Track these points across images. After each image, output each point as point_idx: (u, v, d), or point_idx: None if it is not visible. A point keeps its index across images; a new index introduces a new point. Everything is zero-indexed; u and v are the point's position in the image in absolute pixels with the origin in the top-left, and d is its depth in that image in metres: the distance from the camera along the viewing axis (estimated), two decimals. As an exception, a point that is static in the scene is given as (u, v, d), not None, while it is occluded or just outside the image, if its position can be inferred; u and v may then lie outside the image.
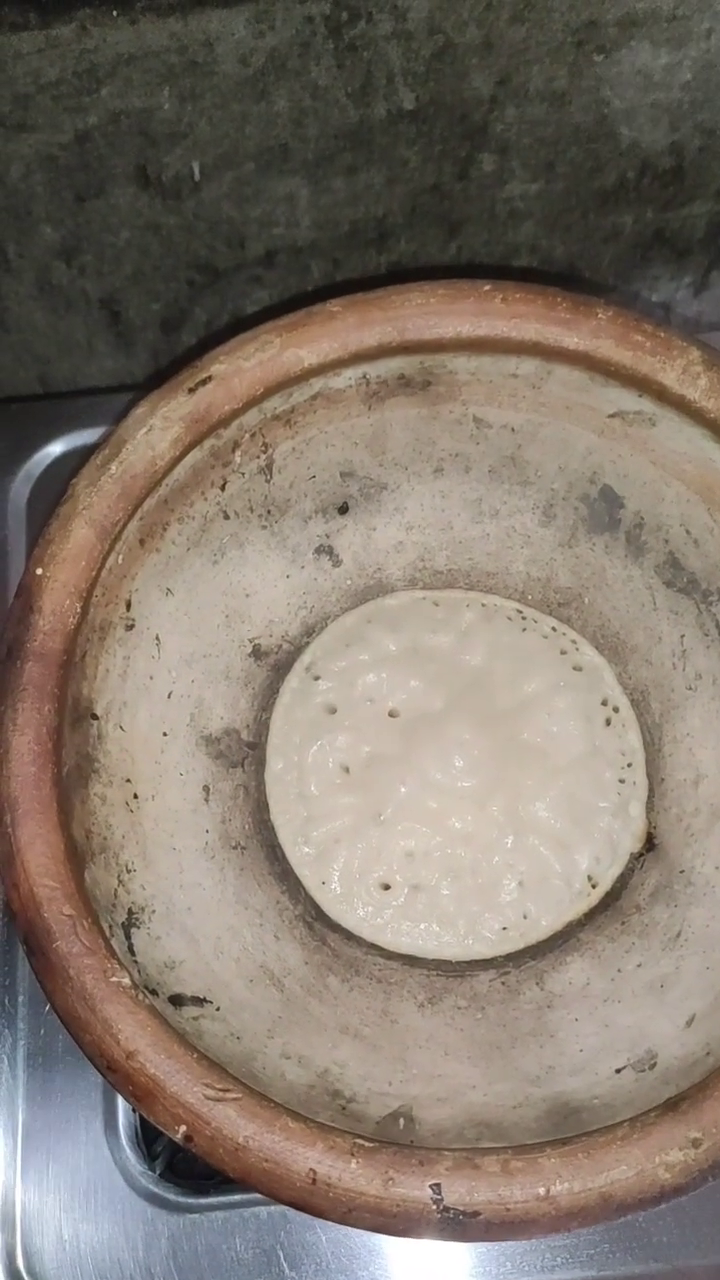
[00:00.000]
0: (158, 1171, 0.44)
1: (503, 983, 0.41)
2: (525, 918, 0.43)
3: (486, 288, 0.40)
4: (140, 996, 0.34)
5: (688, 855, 0.41)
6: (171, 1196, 0.44)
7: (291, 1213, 0.42)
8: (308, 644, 0.47)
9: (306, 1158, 0.32)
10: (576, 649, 0.47)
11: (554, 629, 0.47)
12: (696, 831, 0.41)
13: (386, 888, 0.44)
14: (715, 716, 0.42)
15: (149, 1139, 0.45)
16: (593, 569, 0.46)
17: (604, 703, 0.46)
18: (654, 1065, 0.36)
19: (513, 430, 0.44)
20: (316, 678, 0.47)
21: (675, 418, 0.41)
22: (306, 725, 0.46)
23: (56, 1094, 0.45)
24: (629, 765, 0.45)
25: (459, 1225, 0.31)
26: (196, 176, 0.47)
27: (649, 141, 0.48)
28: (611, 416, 0.42)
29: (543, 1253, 0.42)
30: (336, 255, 0.53)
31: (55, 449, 0.56)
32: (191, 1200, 0.44)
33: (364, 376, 0.42)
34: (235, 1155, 0.32)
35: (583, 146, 0.48)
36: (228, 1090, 0.32)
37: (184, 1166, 0.46)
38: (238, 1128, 0.32)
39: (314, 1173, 0.31)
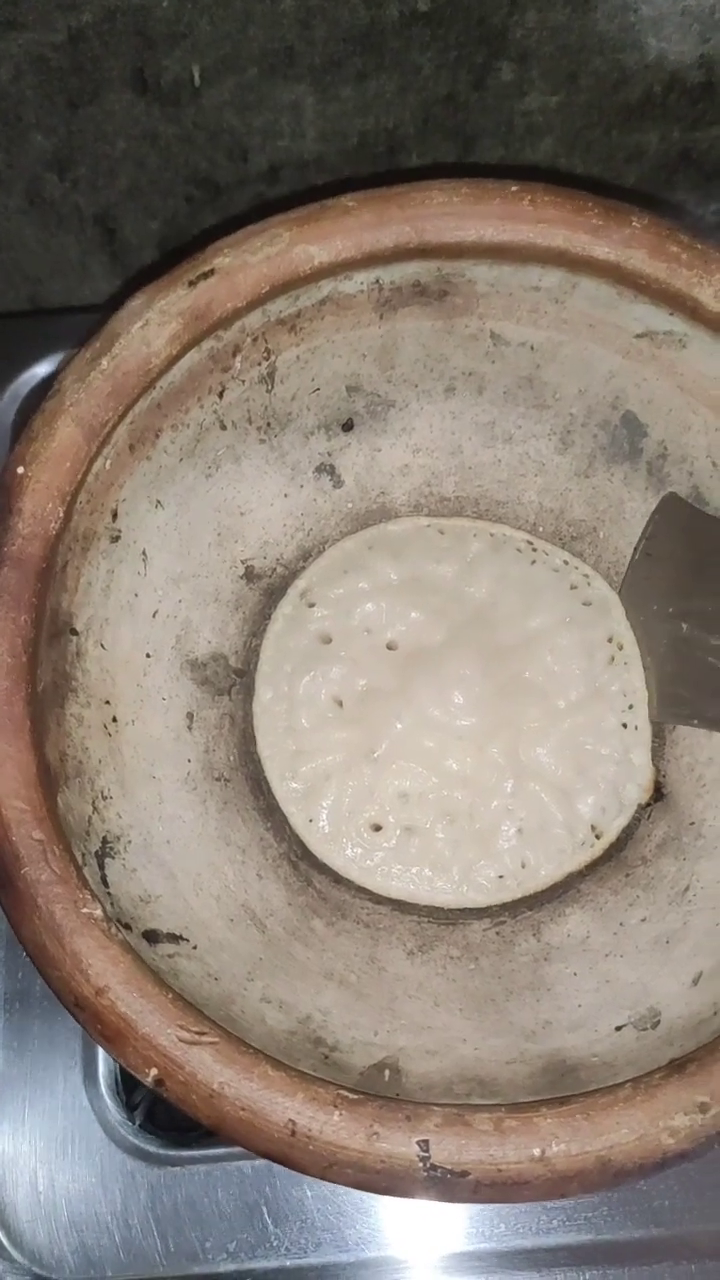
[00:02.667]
0: (137, 1122, 0.43)
1: (497, 933, 0.39)
2: (524, 866, 0.41)
3: (514, 189, 0.37)
4: (113, 930, 0.31)
5: (699, 806, 0.39)
6: (152, 1148, 0.42)
7: (277, 1167, 0.40)
8: (304, 569, 0.45)
9: (286, 1108, 0.30)
10: (588, 584, 0.44)
11: (565, 563, 0.45)
12: (709, 782, 0.39)
13: (378, 829, 0.42)
14: (733, 661, 0.40)
15: (129, 1088, 0.44)
16: (610, 501, 0.43)
17: (609, 639, 0.44)
18: (657, 1024, 0.34)
19: (531, 349, 0.41)
20: (311, 605, 0.44)
21: (708, 339, 0.38)
22: (299, 655, 0.44)
23: (33, 1040, 0.43)
24: (630, 707, 0.43)
25: (447, 1185, 0.29)
26: (196, 81, 0.44)
27: (677, 53, 0.45)
28: (639, 336, 0.39)
29: (539, 1215, 0.40)
30: (344, 170, 0.50)
31: (43, 369, 0.53)
32: (172, 1152, 0.42)
33: (377, 281, 0.39)
34: (210, 1102, 0.30)
35: (607, 57, 0.45)
36: (204, 1033, 0.30)
37: (165, 1118, 0.44)
38: (213, 1073, 0.30)
39: (293, 1124, 0.29)
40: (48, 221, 0.51)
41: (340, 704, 0.43)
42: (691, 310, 0.38)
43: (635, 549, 0.43)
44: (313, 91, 0.45)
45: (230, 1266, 0.40)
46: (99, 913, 0.31)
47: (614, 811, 0.42)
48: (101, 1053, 0.43)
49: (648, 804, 0.42)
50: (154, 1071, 0.30)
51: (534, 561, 0.45)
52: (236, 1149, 0.41)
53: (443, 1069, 0.33)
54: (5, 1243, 0.41)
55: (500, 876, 0.41)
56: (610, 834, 0.42)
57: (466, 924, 0.40)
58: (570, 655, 0.43)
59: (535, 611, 0.44)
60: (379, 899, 0.40)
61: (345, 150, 0.48)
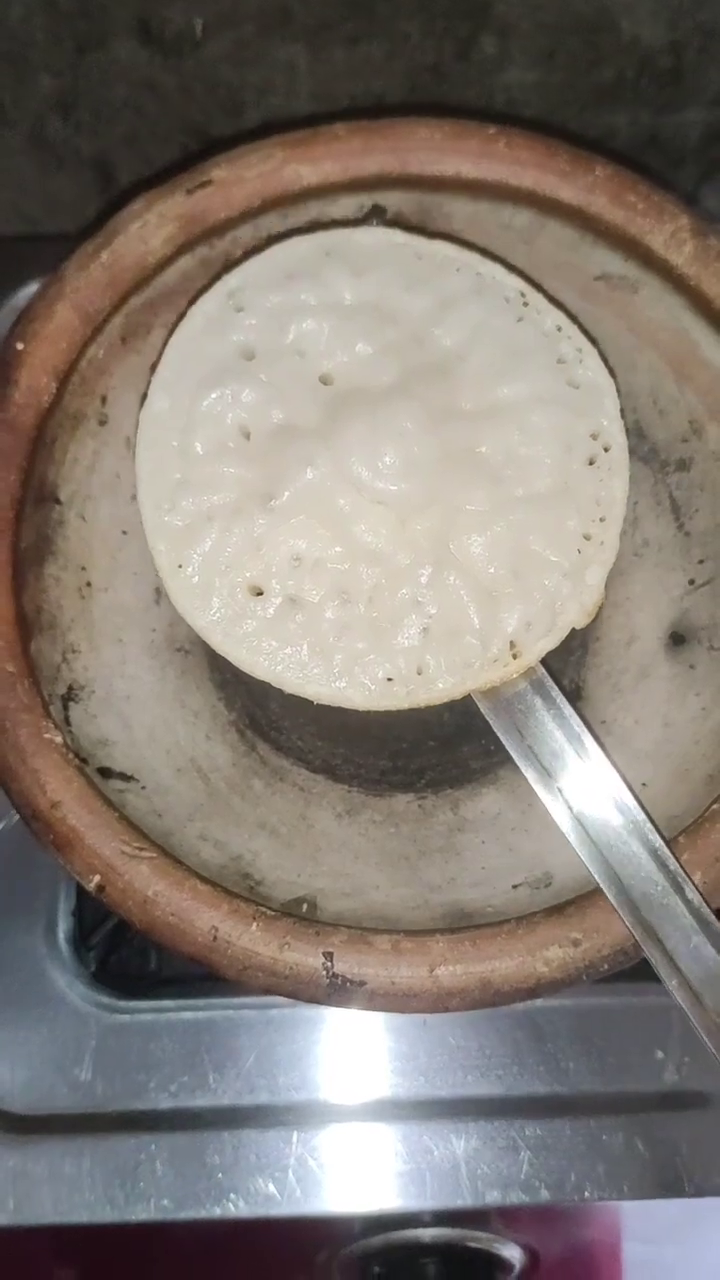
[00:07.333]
0: (90, 969, 0.46)
1: (419, 805, 0.43)
2: (420, 673, 0.37)
3: (492, 130, 0.41)
4: (70, 756, 0.35)
5: (612, 709, 0.43)
6: (103, 997, 0.46)
7: (219, 1019, 0.45)
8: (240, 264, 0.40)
9: (210, 917, 0.33)
10: (580, 361, 0.39)
11: (559, 328, 0.39)
12: (623, 688, 0.43)
13: (258, 593, 0.37)
14: (655, 583, 0.43)
15: (84, 934, 0.47)
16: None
17: (594, 436, 0.38)
18: (549, 885, 0.38)
19: (501, 283, 0.45)
20: (240, 309, 0.38)
21: (658, 285, 0.41)
22: (212, 365, 0.38)
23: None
24: (601, 520, 0.38)
25: (345, 992, 0.33)
26: (198, 34, 0.46)
27: (649, 37, 0.48)
28: (598, 279, 0.43)
29: (455, 1070, 0.44)
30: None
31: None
32: (121, 1002, 0.46)
33: (361, 208, 0.43)
34: (143, 907, 0.34)
35: (583, 37, 0.48)
36: (143, 849, 0.34)
37: (117, 967, 0.49)
38: (148, 883, 0.34)
39: (216, 930, 0.33)
40: (47, 162, 0.53)
41: (247, 436, 0.38)
42: (644, 256, 0.41)
43: None
44: (307, 51, 0.48)
45: (170, 1104, 0.44)
46: (59, 739, 0.35)
47: (541, 630, 0.37)
48: (62, 908, 0.47)
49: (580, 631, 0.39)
50: (96, 878, 0.34)
51: (521, 319, 0.39)
52: (183, 1001, 0.45)
53: (354, 908, 0.37)
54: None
55: (389, 680, 0.37)
56: (530, 656, 0.37)
57: (392, 795, 0.43)
58: (542, 440, 0.38)
59: (510, 377, 0.38)
60: (315, 767, 0.44)
61: (335, 112, 0.50)
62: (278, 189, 0.41)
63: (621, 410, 0.40)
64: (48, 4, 0.45)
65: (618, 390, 0.40)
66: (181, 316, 0.40)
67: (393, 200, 0.42)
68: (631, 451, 0.43)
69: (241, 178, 0.40)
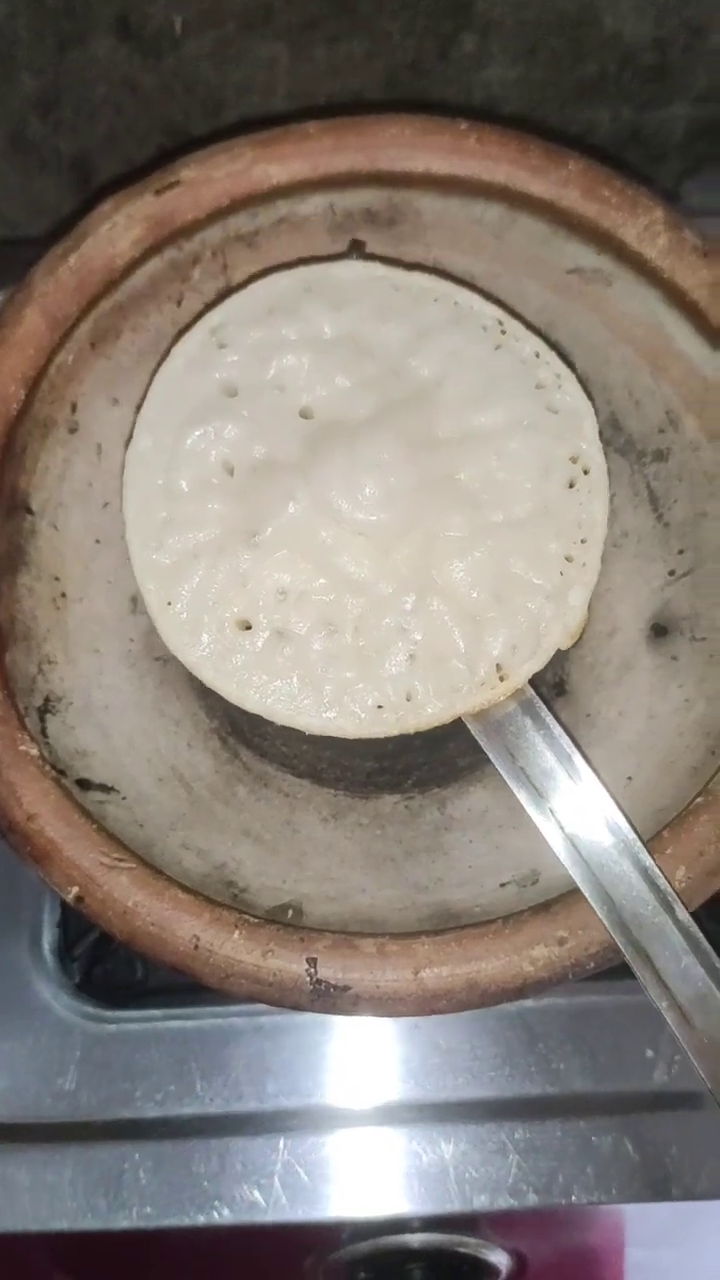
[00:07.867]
0: (75, 979, 0.46)
1: (405, 806, 0.43)
2: (409, 699, 0.37)
3: (463, 126, 0.41)
4: (46, 769, 0.35)
5: (596, 701, 0.42)
6: (88, 1007, 0.45)
7: (207, 1028, 0.45)
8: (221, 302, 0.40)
9: (191, 926, 0.33)
10: (558, 386, 0.39)
11: (537, 355, 0.40)
12: (606, 680, 0.43)
13: (246, 627, 0.38)
14: (635, 574, 0.43)
15: (69, 945, 0.47)
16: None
17: (573, 460, 0.39)
18: (536, 883, 0.37)
19: (472, 278, 0.44)
20: (223, 346, 0.39)
21: (631, 279, 0.41)
22: (195, 403, 0.38)
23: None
24: (583, 541, 0.38)
25: (329, 997, 0.33)
26: (178, 32, 0.46)
27: (632, 33, 0.48)
28: (570, 273, 0.43)
29: (447, 1073, 0.44)
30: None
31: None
32: (107, 1012, 0.45)
33: (331, 206, 0.42)
34: (123, 918, 0.33)
35: (566, 34, 0.48)
36: (122, 860, 0.34)
37: (104, 978, 0.48)
38: (128, 893, 0.33)
39: (197, 939, 0.33)
40: (29, 164, 0.53)
41: (230, 471, 0.38)
42: (617, 250, 0.41)
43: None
44: (288, 50, 0.48)
45: (157, 1113, 0.44)
46: (35, 752, 0.35)
47: (526, 653, 0.38)
48: (47, 918, 0.46)
49: (565, 652, 0.39)
50: (75, 890, 0.34)
51: (499, 346, 0.40)
52: (171, 1010, 0.45)
53: (340, 912, 0.37)
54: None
55: (379, 707, 0.37)
56: (516, 678, 0.38)
57: (378, 797, 0.43)
58: (520, 465, 0.38)
59: (487, 405, 0.39)
60: (300, 773, 0.43)
61: (313, 111, 0.51)
62: (246, 188, 0.40)
63: (601, 433, 0.40)
64: (34, 2, 0.44)
65: (596, 414, 0.40)
66: (166, 355, 0.40)
67: (363, 198, 0.42)
68: (608, 443, 0.44)
69: (210, 178, 0.40)
